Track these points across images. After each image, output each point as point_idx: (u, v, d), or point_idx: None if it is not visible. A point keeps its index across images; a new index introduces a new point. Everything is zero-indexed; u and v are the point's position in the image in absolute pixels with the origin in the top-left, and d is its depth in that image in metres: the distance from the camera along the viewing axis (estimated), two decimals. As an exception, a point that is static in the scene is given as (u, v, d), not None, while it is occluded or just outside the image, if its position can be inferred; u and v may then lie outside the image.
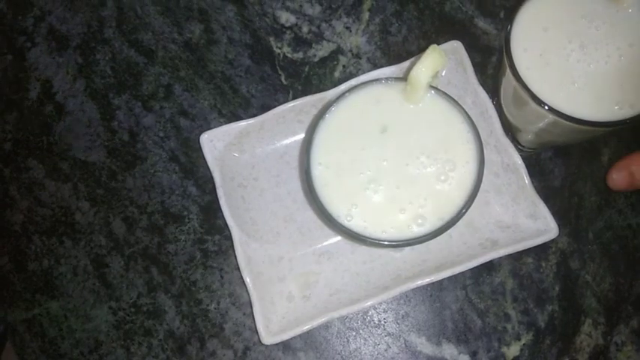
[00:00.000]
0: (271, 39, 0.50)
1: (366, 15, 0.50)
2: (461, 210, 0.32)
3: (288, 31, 0.50)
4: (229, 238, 0.45)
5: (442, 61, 0.33)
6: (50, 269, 0.46)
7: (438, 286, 0.44)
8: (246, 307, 0.44)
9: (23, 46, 0.52)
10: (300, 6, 0.50)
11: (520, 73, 0.34)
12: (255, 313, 0.40)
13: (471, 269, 0.44)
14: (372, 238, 0.32)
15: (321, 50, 0.49)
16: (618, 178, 0.38)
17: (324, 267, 0.43)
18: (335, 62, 0.49)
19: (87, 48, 0.51)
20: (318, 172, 0.33)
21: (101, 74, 0.50)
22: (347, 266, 0.42)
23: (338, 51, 0.49)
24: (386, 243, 0.32)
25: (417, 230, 0.32)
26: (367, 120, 0.34)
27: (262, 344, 0.41)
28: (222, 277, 0.45)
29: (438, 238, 0.41)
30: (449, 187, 0.33)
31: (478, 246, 0.41)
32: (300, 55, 0.49)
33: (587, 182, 0.45)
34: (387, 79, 0.34)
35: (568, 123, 0.34)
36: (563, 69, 0.35)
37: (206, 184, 0.47)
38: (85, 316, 0.45)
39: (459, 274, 0.44)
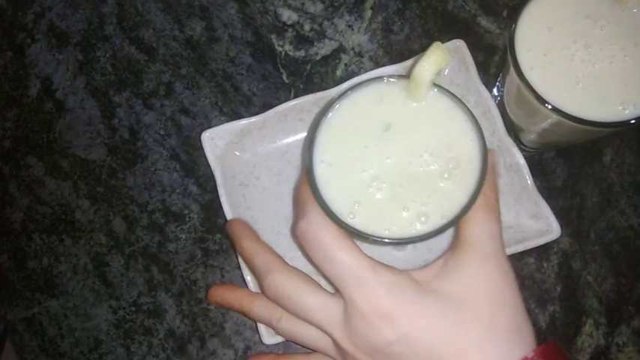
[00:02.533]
0: (273, 37, 0.50)
1: (368, 13, 0.50)
2: (464, 208, 0.32)
3: (289, 29, 0.50)
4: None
5: (446, 59, 0.32)
6: (50, 267, 0.46)
7: (440, 286, 0.44)
8: (247, 306, 0.44)
9: (23, 43, 0.51)
10: (302, 4, 0.50)
11: (524, 73, 0.34)
12: None
13: (473, 269, 0.44)
14: (375, 236, 0.32)
15: (323, 48, 0.49)
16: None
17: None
18: (337, 61, 0.49)
19: (87, 45, 0.51)
20: (320, 169, 0.33)
21: (102, 71, 0.50)
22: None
23: (340, 49, 0.49)
24: (388, 241, 0.32)
25: (420, 228, 0.32)
26: (370, 118, 0.34)
27: (263, 344, 0.41)
28: (223, 276, 0.45)
29: (439, 237, 0.41)
30: (452, 184, 0.33)
31: None
32: (302, 53, 0.49)
33: (589, 182, 0.45)
34: (389, 76, 0.34)
35: (572, 123, 0.34)
36: (568, 69, 0.35)
37: (207, 182, 0.47)
38: (84, 314, 0.45)
39: (460, 274, 0.44)
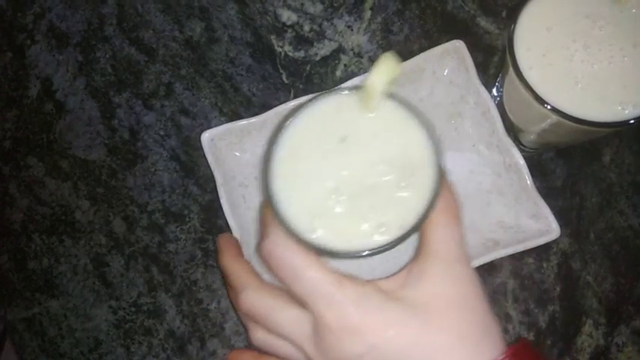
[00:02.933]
0: (273, 37, 0.50)
1: (367, 14, 0.50)
2: (422, 217, 0.32)
3: (289, 30, 0.50)
4: (230, 237, 0.45)
5: (397, 68, 0.32)
6: (50, 268, 0.46)
7: (439, 286, 0.44)
8: (246, 306, 0.44)
9: (23, 44, 0.51)
10: (302, 4, 0.50)
11: (523, 73, 0.34)
12: None
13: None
14: (336, 251, 0.32)
15: (323, 49, 0.49)
16: None
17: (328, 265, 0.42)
18: (336, 61, 0.49)
19: (87, 46, 0.51)
20: (279, 185, 0.33)
21: (101, 72, 0.50)
22: (348, 265, 0.42)
23: (339, 50, 0.49)
24: (349, 254, 0.32)
25: (379, 239, 0.32)
26: (326, 130, 0.34)
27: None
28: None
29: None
30: (409, 194, 0.32)
31: (480, 246, 0.41)
32: (302, 53, 0.49)
33: (588, 183, 0.45)
34: (345, 88, 0.34)
35: (571, 123, 0.34)
36: (567, 69, 0.35)
37: (207, 183, 0.47)
38: (84, 315, 0.45)
39: (460, 274, 0.44)
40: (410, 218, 0.32)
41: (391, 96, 0.33)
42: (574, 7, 0.35)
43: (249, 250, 0.42)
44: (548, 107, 0.33)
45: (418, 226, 0.32)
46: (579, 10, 0.35)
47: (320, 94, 0.34)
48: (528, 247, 0.40)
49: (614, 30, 0.35)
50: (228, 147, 0.44)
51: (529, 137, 0.42)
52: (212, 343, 0.44)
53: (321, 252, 0.32)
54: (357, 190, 0.33)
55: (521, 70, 0.34)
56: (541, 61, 0.35)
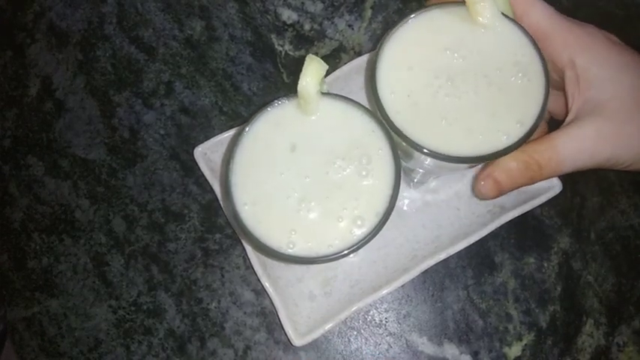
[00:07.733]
0: (273, 36, 0.50)
1: (368, 13, 0.50)
2: (391, 198, 0.32)
3: (290, 29, 0.50)
4: (230, 236, 0.45)
5: (323, 67, 0.33)
6: (50, 267, 0.46)
7: (440, 286, 0.44)
8: (246, 306, 0.44)
9: (23, 43, 0.51)
10: (302, 3, 0.50)
11: (390, 118, 0.32)
12: (280, 317, 0.40)
13: (473, 269, 0.44)
14: (320, 257, 0.32)
15: (324, 48, 0.49)
16: (485, 186, 0.35)
17: (340, 261, 0.42)
18: (337, 60, 0.49)
19: (87, 44, 0.51)
20: (245, 213, 0.33)
21: (101, 71, 0.50)
22: (362, 256, 0.42)
23: (340, 49, 0.49)
24: (335, 256, 0.32)
25: (359, 232, 0.33)
26: (274, 145, 0.34)
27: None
28: (222, 275, 0.45)
29: (445, 211, 0.42)
30: (373, 179, 0.33)
31: (487, 213, 0.41)
32: (302, 52, 0.49)
33: (589, 182, 0.45)
34: (279, 99, 0.35)
35: (442, 162, 0.32)
36: (432, 106, 0.33)
37: (207, 182, 0.46)
38: (84, 314, 0.45)
39: (460, 274, 0.44)
40: (382, 203, 0.32)
41: (326, 95, 0.34)
42: (432, 41, 0.33)
43: (261, 256, 0.42)
44: (418, 147, 0.32)
45: (392, 208, 0.32)
46: (438, 43, 0.33)
47: (256, 113, 0.34)
48: (534, 206, 0.40)
49: (477, 58, 0.33)
50: (222, 158, 0.44)
51: (417, 177, 0.41)
52: (212, 342, 0.44)
53: (304, 263, 0.32)
54: (324, 191, 0.33)
55: (389, 115, 0.32)
56: (406, 102, 0.33)
